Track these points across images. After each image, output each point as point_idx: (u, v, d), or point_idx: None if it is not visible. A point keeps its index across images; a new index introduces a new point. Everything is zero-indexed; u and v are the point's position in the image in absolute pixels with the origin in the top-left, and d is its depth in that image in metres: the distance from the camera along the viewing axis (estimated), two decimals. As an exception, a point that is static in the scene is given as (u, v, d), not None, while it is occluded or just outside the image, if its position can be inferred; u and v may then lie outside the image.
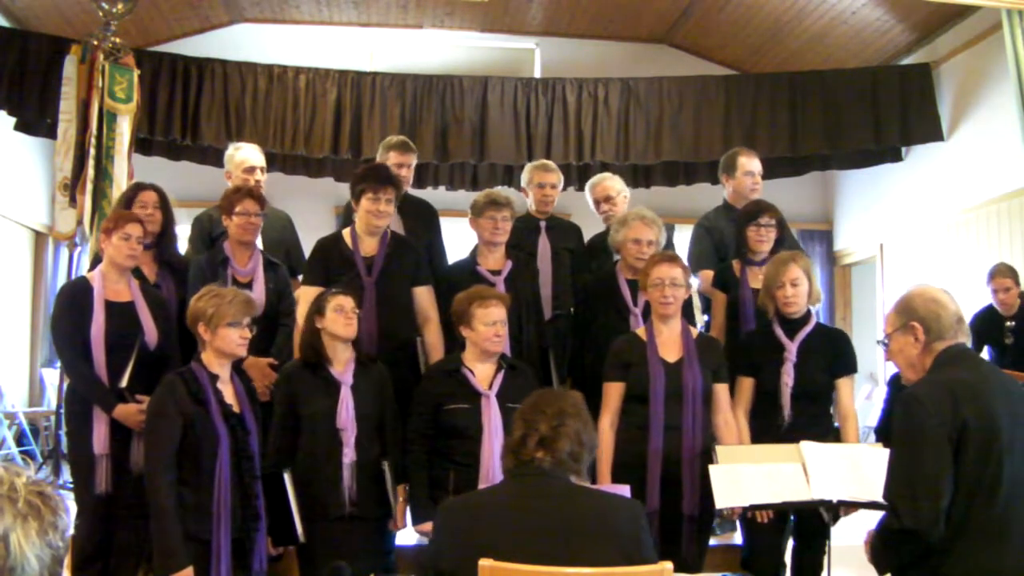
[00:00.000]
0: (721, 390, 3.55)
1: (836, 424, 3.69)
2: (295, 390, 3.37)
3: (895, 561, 2.32)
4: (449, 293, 3.69)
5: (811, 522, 3.45)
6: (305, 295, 3.74)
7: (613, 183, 4.77)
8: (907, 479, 2.24)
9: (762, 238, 4.05)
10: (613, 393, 3.51)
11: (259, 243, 4.11)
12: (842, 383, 3.62)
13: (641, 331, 3.61)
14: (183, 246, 4.41)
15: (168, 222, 3.98)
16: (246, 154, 4.52)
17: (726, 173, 4.69)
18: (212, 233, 4.28)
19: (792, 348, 3.58)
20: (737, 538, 3.98)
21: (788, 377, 3.55)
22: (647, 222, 4.02)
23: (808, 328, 3.62)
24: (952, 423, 2.21)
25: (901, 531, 2.22)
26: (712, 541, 3.74)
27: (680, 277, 3.53)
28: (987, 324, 5.31)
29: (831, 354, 3.61)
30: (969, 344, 2.50)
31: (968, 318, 3.88)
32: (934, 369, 2.40)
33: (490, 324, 3.39)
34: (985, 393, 2.29)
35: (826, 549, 3.45)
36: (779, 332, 3.62)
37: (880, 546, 2.34)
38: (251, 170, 4.46)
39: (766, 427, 3.57)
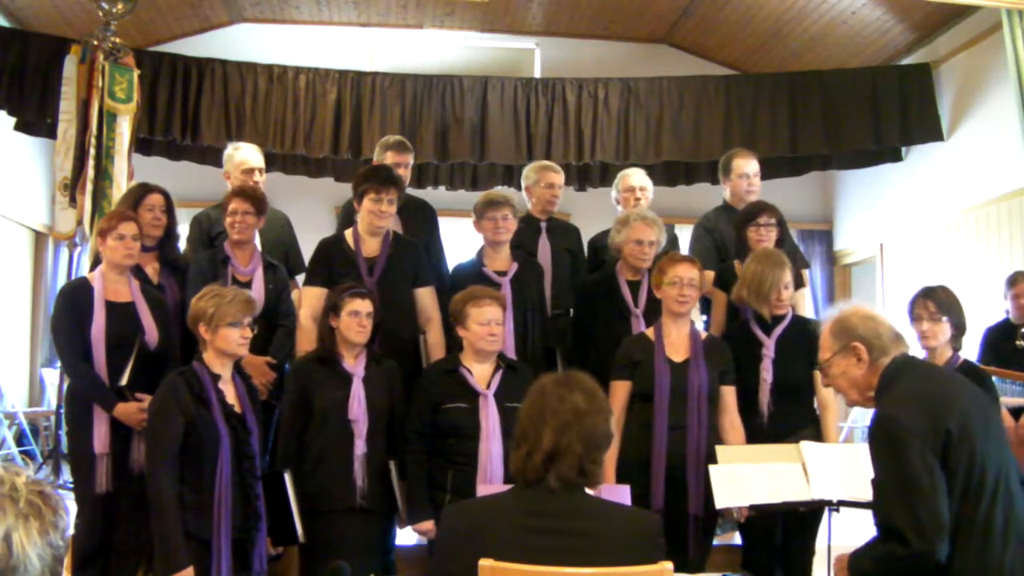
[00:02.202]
0: (728, 392, 3.57)
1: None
2: (307, 383, 3.38)
3: None
4: (455, 294, 3.70)
5: (797, 520, 3.46)
6: (307, 295, 3.76)
7: (645, 180, 4.78)
8: (904, 499, 2.16)
9: (762, 238, 4.06)
10: (620, 392, 3.52)
11: (257, 243, 4.12)
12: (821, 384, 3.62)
13: (650, 331, 3.63)
14: (183, 246, 4.41)
15: (172, 224, 4.01)
16: (245, 155, 4.51)
17: (723, 175, 4.71)
18: (211, 233, 4.29)
19: (770, 344, 3.62)
20: (738, 538, 3.98)
21: (767, 373, 3.59)
22: (648, 223, 4.03)
23: (785, 323, 3.65)
24: (934, 435, 2.17)
25: (911, 555, 2.13)
26: (712, 541, 3.74)
27: (697, 278, 3.57)
28: (1001, 334, 5.32)
29: (809, 346, 3.61)
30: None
31: (973, 321, 3.90)
32: (886, 384, 2.34)
33: (484, 323, 3.40)
34: (954, 399, 2.26)
35: (814, 548, 3.46)
36: (756, 329, 3.65)
37: (878, 573, 2.24)
38: (250, 171, 4.45)
39: (748, 423, 3.59)
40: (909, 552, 2.13)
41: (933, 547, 2.12)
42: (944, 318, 3.49)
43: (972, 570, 2.16)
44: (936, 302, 3.51)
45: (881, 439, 2.24)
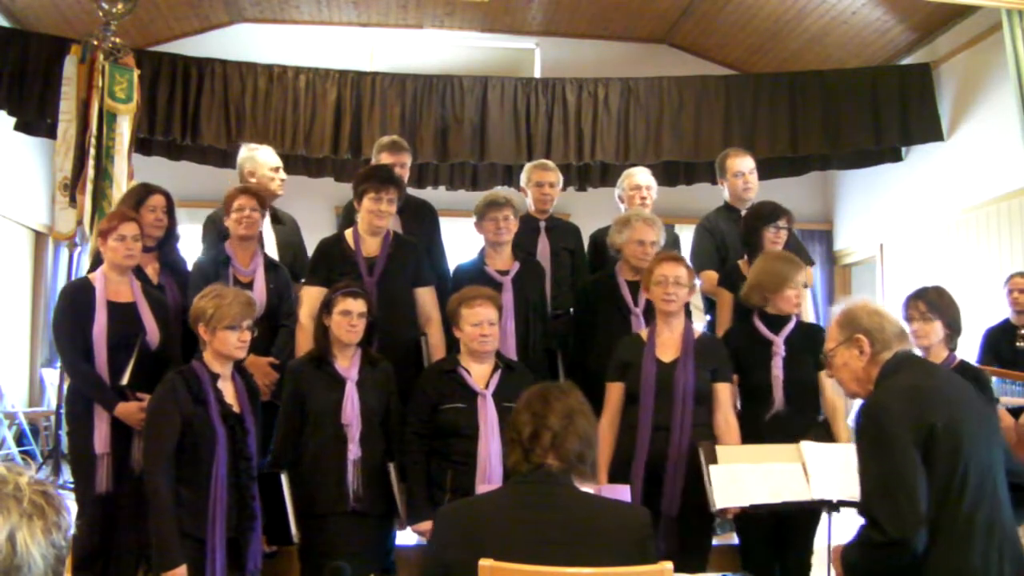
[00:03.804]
0: (721, 390, 3.56)
1: (822, 417, 3.69)
2: (301, 385, 3.38)
3: (878, 573, 2.26)
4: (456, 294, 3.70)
5: (796, 521, 3.46)
6: (307, 295, 3.76)
7: (650, 179, 4.76)
8: (884, 488, 2.19)
9: (780, 239, 4.08)
10: (613, 393, 3.54)
11: (273, 244, 4.17)
12: (825, 375, 3.62)
13: (643, 332, 3.63)
14: (192, 246, 4.43)
15: (172, 225, 4.01)
16: (269, 154, 4.57)
17: (720, 176, 4.73)
18: (226, 233, 4.29)
19: (779, 342, 3.62)
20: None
21: (778, 370, 3.59)
22: (649, 223, 4.04)
23: (791, 324, 3.67)
24: (918, 429, 2.19)
25: (887, 544, 2.16)
26: (712, 541, 3.73)
27: (684, 276, 3.55)
28: (1001, 335, 5.34)
29: (814, 349, 3.62)
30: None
31: (973, 321, 3.92)
32: (884, 377, 2.38)
33: (476, 324, 3.40)
34: (946, 397, 2.28)
35: (813, 546, 3.45)
36: (762, 327, 3.65)
37: (860, 561, 2.27)
38: (276, 170, 4.52)
39: (751, 422, 3.59)
40: (885, 540, 2.16)
41: (908, 537, 2.14)
42: (935, 318, 3.50)
43: (952, 568, 2.17)
44: (927, 302, 3.53)
45: (866, 428, 2.29)
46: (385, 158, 4.46)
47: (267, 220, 4.37)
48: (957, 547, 2.17)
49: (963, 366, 3.54)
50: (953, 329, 3.55)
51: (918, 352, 3.67)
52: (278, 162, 4.56)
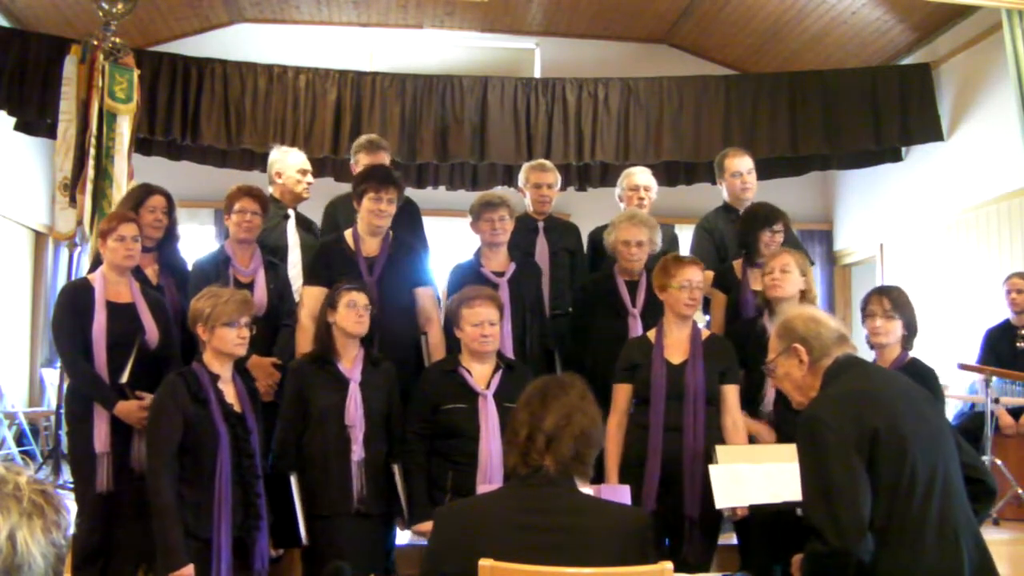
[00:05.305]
0: (730, 391, 3.56)
1: None
2: (304, 385, 3.38)
3: None
4: (453, 294, 3.70)
5: (798, 521, 3.46)
6: (308, 295, 3.76)
7: (650, 179, 4.75)
8: (822, 497, 2.19)
9: (775, 243, 4.08)
10: (621, 394, 3.54)
11: (297, 247, 4.26)
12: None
13: (651, 333, 3.63)
14: (192, 246, 4.43)
15: (172, 225, 4.00)
16: (299, 156, 4.58)
17: (718, 176, 4.73)
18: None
19: None
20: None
21: None
22: (636, 223, 4.04)
23: None
24: (858, 434, 2.19)
25: (829, 554, 2.17)
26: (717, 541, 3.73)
27: (702, 280, 3.60)
28: (1001, 335, 5.34)
29: None
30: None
31: (972, 320, 3.90)
32: (826, 384, 2.38)
33: (476, 324, 3.40)
34: (886, 399, 2.28)
35: None
36: (768, 325, 3.65)
37: (811, 572, 2.28)
38: (304, 172, 4.53)
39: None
40: (828, 550, 2.17)
41: (850, 546, 2.14)
42: (897, 317, 3.51)
43: (905, 568, 2.17)
44: (891, 300, 3.54)
45: (804, 439, 2.30)
46: (363, 159, 4.46)
47: (291, 224, 4.39)
48: (909, 547, 2.17)
49: (913, 363, 3.54)
50: (911, 330, 3.57)
51: (866, 350, 3.69)
52: (307, 165, 4.58)
